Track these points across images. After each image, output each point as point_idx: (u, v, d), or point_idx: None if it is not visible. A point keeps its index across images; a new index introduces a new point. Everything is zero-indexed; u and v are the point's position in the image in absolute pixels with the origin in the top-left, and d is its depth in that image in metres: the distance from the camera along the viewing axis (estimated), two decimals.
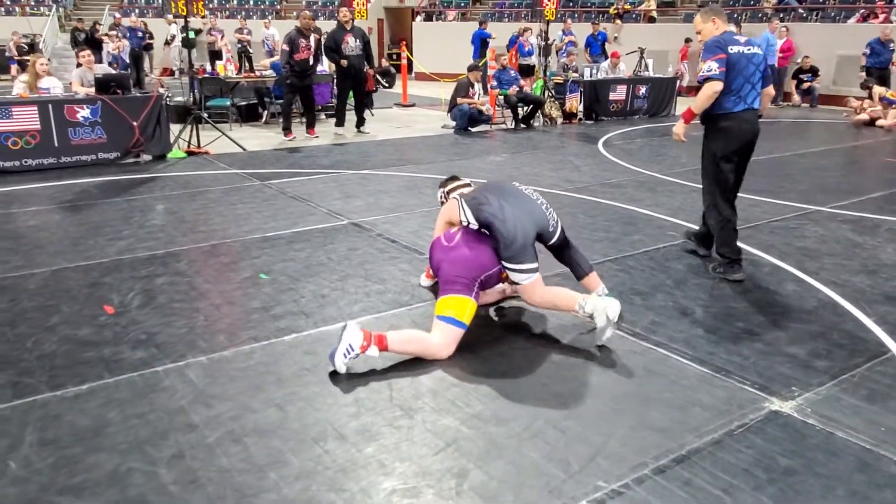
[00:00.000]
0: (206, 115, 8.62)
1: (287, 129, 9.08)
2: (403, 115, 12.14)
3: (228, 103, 10.09)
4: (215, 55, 15.53)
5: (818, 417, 2.59)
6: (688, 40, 15.60)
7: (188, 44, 8.85)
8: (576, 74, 11.73)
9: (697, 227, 4.62)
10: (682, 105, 13.07)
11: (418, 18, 20.93)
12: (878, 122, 10.97)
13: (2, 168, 6.69)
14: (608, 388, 2.81)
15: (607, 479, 2.23)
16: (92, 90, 7.33)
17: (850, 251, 4.63)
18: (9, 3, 20.82)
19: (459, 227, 3.34)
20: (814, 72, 13.70)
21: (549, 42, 12.26)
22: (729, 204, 4.20)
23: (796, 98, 13.91)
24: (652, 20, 17.22)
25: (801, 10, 15.53)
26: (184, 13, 7.76)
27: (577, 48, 13.54)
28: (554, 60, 13.51)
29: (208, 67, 11.40)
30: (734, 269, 4.08)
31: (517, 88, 10.64)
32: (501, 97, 10.68)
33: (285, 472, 2.26)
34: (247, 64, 15.99)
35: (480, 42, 14.76)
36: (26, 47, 17.86)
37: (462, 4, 21.41)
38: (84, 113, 7.02)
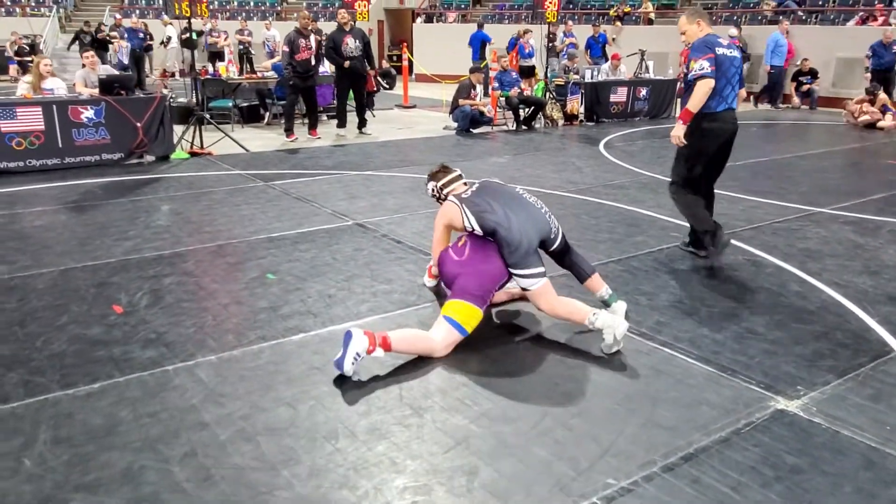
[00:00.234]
0: (207, 116, 8.63)
1: (289, 131, 9.10)
2: (405, 117, 12.17)
3: (230, 104, 10.11)
4: (216, 56, 15.55)
5: (824, 416, 2.62)
6: None
7: (190, 45, 8.87)
8: (577, 76, 11.76)
9: (689, 231, 4.64)
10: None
11: (419, 20, 20.96)
12: (879, 124, 11.01)
13: (6, 168, 6.71)
14: (615, 387, 2.84)
15: (616, 476, 2.25)
16: (95, 91, 7.35)
17: (852, 252, 4.66)
18: (9, 3, 20.83)
19: (465, 236, 3.37)
20: (813, 74, 13.75)
21: (555, 44, 12.30)
22: (693, 190, 4.41)
23: (796, 100, 13.95)
24: (650, 22, 17.26)
25: (800, 13, 15.58)
26: (187, 14, 7.78)
27: (577, 50, 13.57)
28: (555, 62, 13.53)
29: (210, 69, 11.40)
30: (718, 237, 4.22)
31: (518, 90, 10.67)
32: (503, 99, 10.71)
33: (298, 470, 2.28)
34: (247, 65, 16.01)
35: (480, 44, 14.77)
36: (27, 48, 17.89)
37: (462, 6, 21.45)
38: (88, 114, 7.04)
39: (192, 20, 8.47)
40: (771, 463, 2.33)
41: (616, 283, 4.02)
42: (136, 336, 3.27)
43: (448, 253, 3.39)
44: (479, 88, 10.45)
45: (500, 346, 3.24)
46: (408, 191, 6.38)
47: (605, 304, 3.50)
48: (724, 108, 4.18)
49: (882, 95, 11.34)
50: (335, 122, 9.81)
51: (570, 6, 18.69)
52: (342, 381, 2.86)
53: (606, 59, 13.47)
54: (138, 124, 7.28)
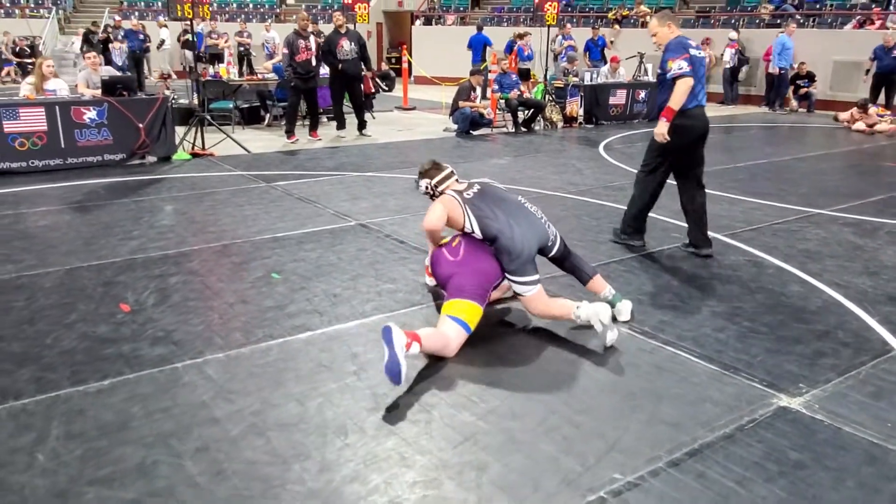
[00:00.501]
0: (209, 117, 8.65)
1: (290, 132, 9.13)
2: (405, 119, 12.21)
3: (231, 106, 10.13)
4: (215, 58, 15.58)
5: (826, 413, 2.66)
6: None
7: (190, 46, 8.90)
8: (576, 79, 11.82)
9: (688, 231, 4.74)
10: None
11: (417, 22, 21.01)
12: (877, 128, 11.08)
13: (9, 169, 6.73)
14: (620, 385, 2.87)
15: (623, 471, 2.29)
16: (98, 92, 7.37)
17: (852, 253, 4.71)
18: (8, 5, 20.83)
19: (459, 236, 3.41)
20: (810, 77, 13.82)
21: (554, 47, 12.35)
22: (658, 182, 4.65)
23: (794, 103, 14.02)
24: (645, 25, 17.32)
25: (798, 16, 15.66)
26: (189, 16, 7.82)
27: (577, 53, 13.62)
28: (553, 65, 13.59)
29: (210, 70, 11.42)
30: (636, 238, 4.74)
31: (518, 92, 10.72)
32: (502, 101, 10.75)
33: (309, 465, 2.31)
34: (247, 67, 16.04)
35: (482, 47, 14.80)
36: (28, 49, 17.89)
37: (461, 8, 21.51)
38: (90, 114, 7.07)
39: (193, 22, 8.51)
40: (774, 458, 2.36)
41: (618, 283, 4.06)
42: (144, 334, 3.30)
43: (442, 253, 3.42)
44: (479, 91, 10.49)
45: (506, 344, 3.28)
46: (409, 192, 6.41)
47: (611, 305, 3.50)
48: (695, 106, 4.37)
49: (872, 109, 11.43)
50: (335, 123, 9.85)
51: (569, 9, 18.76)
52: (350, 378, 2.89)
53: (605, 62, 13.53)
54: (140, 125, 7.30)
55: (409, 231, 5.08)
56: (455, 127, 10.33)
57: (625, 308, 3.51)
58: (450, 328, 3.09)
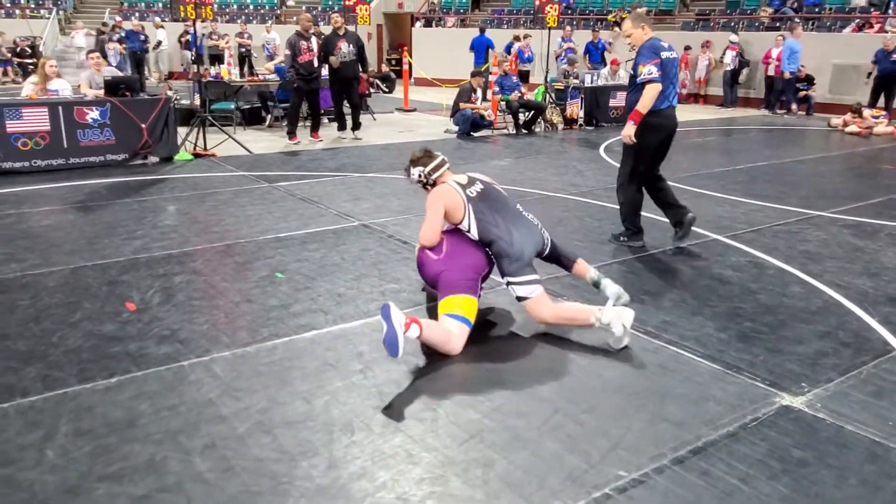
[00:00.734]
0: (210, 117, 8.67)
1: (292, 133, 9.15)
2: (405, 120, 12.24)
3: (233, 107, 10.16)
4: (216, 59, 15.61)
5: (828, 412, 2.68)
6: (687, 48, 15.75)
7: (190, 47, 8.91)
8: (576, 81, 11.85)
9: (669, 221, 4.99)
10: (680, 112, 13.24)
11: (418, 24, 21.05)
12: (875, 130, 11.13)
13: (12, 169, 6.74)
14: (624, 384, 2.90)
15: (628, 469, 2.31)
16: (100, 92, 7.39)
17: (852, 255, 4.73)
18: (9, 5, 20.84)
19: (443, 235, 3.41)
20: (810, 80, 13.87)
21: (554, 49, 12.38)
22: (638, 186, 4.83)
23: (793, 106, 14.07)
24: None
25: (797, 20, 15.72)
26: (192, 17, 7.84)
27: (577, 55, 13.66)
28: (553, 67, 13.62)
29: (212, 71, 11.45)
30: (636, 239, 4.82)
31: (519, 94, 10.75)
32: (503, 103, 10.79)
33: (316, 462, 2.33)
34: (248, 68, 16.05)
35: (485, 49, 14.81)
36: (28, 50, 17.90)
37: (461, 10, 21.56)
38: (93, 115, 7.08)
39: (196, 23, 8.53)
40: (778, 456, 2.39)
41: (621, 284, 4.06)
42: (150, 332, 3.32)
43: (425, 253, 3.43)
44: (479, 92, 10.53)
45: (510, 344, 3.30)
46: (411, 193, 6.43)
47: (596, 285, 3.57)
48: (666, 106, 4.57)
49: (867, 112, 11.48)
50: (335, 125, 9.87)
51: (569, 12, 18.81)
52: (355, 376, 2.91)
53: (605, 65, 13.57)
54: (143, 126, 7.32)
55: (412, 231, 5.09)
56: (456, 128, 10.36)
57: (609, 285, 3.58)
58: (451, 325, 3.12)
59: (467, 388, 2.84)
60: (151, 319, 3.47)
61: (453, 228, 3.43)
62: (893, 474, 2.30)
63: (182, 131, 8.14)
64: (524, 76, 13.69)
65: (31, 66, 16.21)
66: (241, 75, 13.08)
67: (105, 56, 13.21)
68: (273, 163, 7.85)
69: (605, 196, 6.41)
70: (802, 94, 13.97)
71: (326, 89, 9.60)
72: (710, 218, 5.63)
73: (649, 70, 4.39)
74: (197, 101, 9.44)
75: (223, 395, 2.75)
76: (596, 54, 14.85)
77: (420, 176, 3.55)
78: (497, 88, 10.81)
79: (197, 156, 8.01)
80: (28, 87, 7.41)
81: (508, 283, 3.32)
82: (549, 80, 11.91)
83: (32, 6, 20.89)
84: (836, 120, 11.80)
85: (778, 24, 15.70)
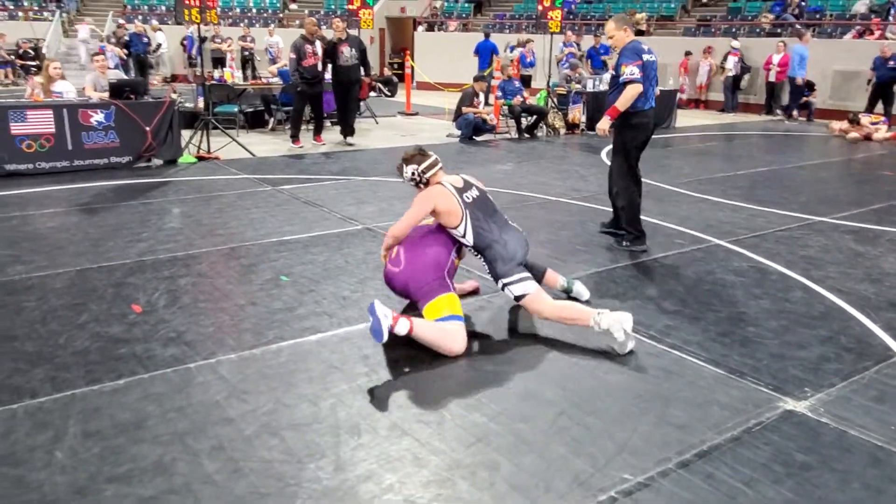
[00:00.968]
0: (214, 120, 8.70)
1: (295, 137, 9.18)
2: (407, 124, 12.27)
3: (236, 110, 10.19)
4: (219, 62, 15.66)
5: (831, 416, 2.70)
6: (688, 53, 15.80)
7: (199, 51, 8.95)
8: (578, 86, 11.89)
9: (610, 219, 5.25)
10: (681, 117, 13.28)
11: (420, 28, 21.12)
12: (874, 137, 11.16)
13: (16, 171, 6.77)
14: (628, 388, 2.91)
15: (633, 472, 2.33)
16: (105, 94, 7.42)
17: (854, 260, 4.76)
18: (12, 7, 20.90)
19: (398, 246, 3.44)
20: (810, 86, 13.91)
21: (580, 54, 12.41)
22: (637, 186, 4.96)
23: (794, 112, 14.10)
24: (641, 33, 17.40)
25: (798, 26, 15.76)
26: (197, 21, 7.88)
27: (578, 60, 13.69)
28: (555, 72, 13.66)
29: (215, 74, 11.50)
30: (639, 242, 4.87)
31: (521, 99, 10.78)
32: (506, 107, 10.82)
33: (323, 464, 2.35)
34: (251, 71, 16.11)
35: (489, 54, 14.85)
36: (31, 52, 17.94)
37: (463, 15, 21.62)
38: (98, 117, 7.11)
39: (200, 26, 8.55)
40: (781, 460, 2.41)
41: (623, 288, 4.11)
42: (156, 334, 3.33)
43: (388, 269, 3.46)
44: (482, 97, 10.56)
45: (515, 348, 3.32)
46: (414, 196, 6.45)
47: (567, 292, 3.79)
48: (648, 107, 4.78)
49: (865, 119, 11.52)
50: (339, 128, 9.89)
51: (571, 17, 18.87)
52: (361, 380, 2.93)
53: (607, 69, 13.60)
54: (147, 128, 7.35)
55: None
56: (458, 132, 10.39)
57: (581, 289, 3.78)
58: (443, 325, 3.16)
59: (472, 392, 2.86)
60: (158, 321, 3.49)
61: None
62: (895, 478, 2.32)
63: (186, 134, 8.17)
64: (526, 81, 13.73)
65: (33, 68, 16.26)
66: (244, 78, 13.14)
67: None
68: (276, 166, 7.88)
69: (608, 201, 6.41)
70: (804, 99, 14.01)
71: (330, 93, 9.63)
72: (711, 223, 5.66)
73: (632, 70, 4.57)
74: (200, 104, 9.47)
75: (230, 397, 2.77)
76: (598, 59, 14.89)
77: (414, 174, 3.54)
78: (500, 93, 10.85)
79: (201, 159, 8.03)
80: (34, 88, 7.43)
81: (504, 286, 3.37)
82: (551, 84, 11.95)
83: (36, 8, 20.96)
84: (836, 124, 11.84)
85: (779, 31, 15.75)
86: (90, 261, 4.39)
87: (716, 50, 15.67)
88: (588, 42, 15.42)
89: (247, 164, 7.94)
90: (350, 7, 11.79)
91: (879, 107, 12.63)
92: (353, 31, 10.19)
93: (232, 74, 10.95)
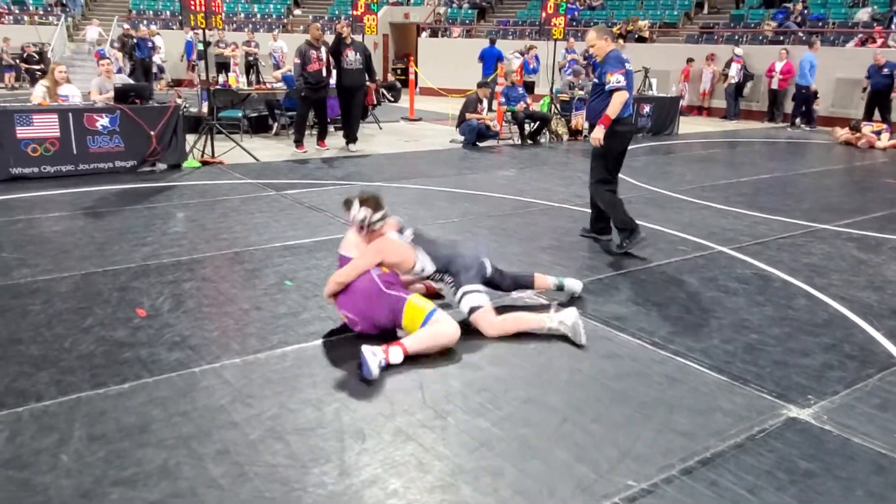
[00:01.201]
0: (218, 125, 8.73)
1: (299, 142, 9.21)
2: (411, 129, 12.30)
3: (240, 115, 10.23)
4: (223, 67, 15.71)
5: (834, 424, 2.71)
6: (689, 60, 15.84)
7: (201, 56, 8.99)
8: (581, 92, 11.91)
9: (591, 219, 5.35)
10: (684, 124, 13.30)
11: (423, 34, 21.19)
12: (878, 145, 11.17)
13: (21, 174, 6.80)
14: (631, 394, 2.92)
15: (637, 478, 2.33)
16: (110, 96, 7.45)
17: (856, 268, 4.76)
18: (17, 11, 21.02)
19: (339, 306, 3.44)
20: (813, 94, 13.92)
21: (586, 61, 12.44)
22: (610, 188, 5.13)
23: (797, 120, 14.12)
24: (642, 40, 17.46)
25: (800, 34, 15.80)
26: (203, 26, 7.92)
27: (582, 66, 13.73)
28: (559, 78, 13.69)
29: (219, 79, 11.53)
30: (635, 235, 4.85)
31: (524, 105, 10.81)
32: (509, 113, 10.85)
33: (328, 469, 2.36)
34: (255, 76, 16.17)
35: (494, 60, 14.88)
36: (35, 56, 18.03)
37: (467, 21, 21.69)
38: (103, 122, 7.15)
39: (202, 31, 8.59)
40: (785, 467, 2.41)
41: (627, 295, 4.12)
42: (161, 339, 3.35)
43: (349, 319, 3.40)
44: (486, 103, 10.60)
45: (518, 355, 3.32)
46: (417, 202, 6.49)
47: (560, 288, 3.92)
48: (628, 115, 4.96)
49: (867, 127, 11.54)
50: (342, 133, 9.92)
51: (574, 24, 18.93)
52: (365, 385, 2.94)
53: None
54: (152, 133, 7.38)
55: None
56: (461, 138, 10.41)
57: (572, 284, 3.92)
58: (429, 325, 3.21)
59: (476, 397, 2.87)
60: (162, 326, 3.50)
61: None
62: None
63: (190, 139, 8.20)
64: (530, 87, 13.75)
65: (38, 72, 16.34)
66: (248, 83, 13.19)
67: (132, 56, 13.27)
68: (280, 171, 7.91)
69: None
70: (812, 106, 14.03)
71: (334, 98, 9.66)
72: (714, 230, 5.66)
73: (617, 79, 4.71)
74: (205, 109, 9.51)
75: (234, 401, 2.78)
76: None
77: (365, 219, 3.40)
78: (503, 99, 10.87)
79: (205, 163, 8.06)
80: (39, 90, 7.47)
81: (464, 294, 3.47)
82: (554, 91, 11.98)
83: (41, 12, 21.07)
84: (840, 131, 11.85)
85: (781, 38, 15.78)
86: (95, 265, 4.41)
87: (718, 57, 15.71)
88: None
89: (250, 168, 7.97)
90: (354, 13, 11.83)
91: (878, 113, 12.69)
92: (357, 37, 10.22)
93: (236, 79, 10.99)
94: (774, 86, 14.66)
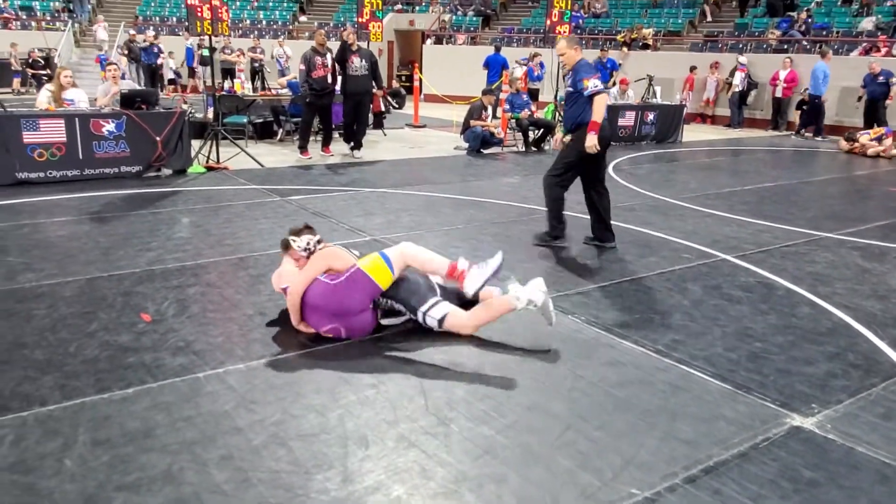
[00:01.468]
0: (223, 131, 8.77)
1: (303, 148, 9.24)
2: (415, 136, 12.34)
3: (245, 120, 10.27)
4: (228, 73, 15.80)
5: (838, 433, 2.70)
6: (693, 68, 15.86)
7: (205, 62, 9.04)
8: None
9: (592, 227, 5.42)
10: (688, 132, 13.31)
11: (428, 41, 21.27)
12: (881, 154, 11.16)
13: (27, 179, 6.83)
14: (635, 402, 2.92)
15: (640, 487, 2.33)
16: (116, 98, 7.50)
17: (860, 276, 4.75)
18: (24, 17, 21.17)
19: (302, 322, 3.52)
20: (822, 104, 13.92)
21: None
22: (563, 188, 5.33)
23: (803, 130, 14.11)
24: (646, 48, 17.49)
25: (804, 43, 15.82)
26: (209, 32, 7.97)
27: None
28: (563, 86, 13.72)
29: (225, 85, 11.61)
30: (556, 240, 5.27)
31: (529, 112, 10.84)
32: (513, 120, 10.87)
33: (331, 475, 2.36)
34: (260, 82, 16.24)
35: (499, 67, 14.93)
36: (42, 61, 18.14)
37: (472, 28, 21.77)
38: (109, 127, 7.18)
39: (204, 37, 8.65)
40: (789, 476, 2.40)
41: (630, 302, 4.12)
42: (165, 344, 3.36)
43: (333, 330, 3.45)
44: (490, 110, 10.63)
45: (522, 361, 3.32)
46: (422, 208, 6.50)
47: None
48: (603, 119, 5.00)
49: (864, 137, 11.55)
50: (343, 138, 9.95)
51: (578, 31, 18.98)
52: (368, 391, 2.94)
53: (614, 84, 13.67)
54: (158, 138, 7.42)
55: (425, 247, 5.12)
56: (466, 145, 10.44)
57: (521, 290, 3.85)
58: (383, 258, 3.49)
59: (479, 405, 2.87)
60: (167, 331, 3.51)
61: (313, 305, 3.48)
62: None
63: (195, 144, 8.23)
64: (534, 94, 13.80)
65: (44, 77, 16.43)
66: (254, 89, 13.25)
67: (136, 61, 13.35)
68: (285, 177, 7.93)
69: (615, 216, 6.38)
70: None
71: (338, 104, 9.70)
72: (718, 238, 5.66)
73: (594, 83, 4.87)
74: (210, 115, 9.55)
75: (238, 406, 2.78)
76: (605, 74, 14.96)
77: (309, 244, 3.70)
78: (507, 106, 10.91)
79: (210, 169, 8.10)
80: (44, 95, 7.52)
81: (424, 315, 3.49)
82: (558, 98, 12.00)
83: (49, 18, 21.21)
84: (844, 143, 11.86)
85: (785, 47, 15.80)
86: (100, 269, 4.43)
87: (722, 65, 15.73)
88: (591, 56, 15.49)
89: (255, 174, 8.00)
90: (359, 19, 11.89)
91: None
92: (363, 44, 10.27)
93: (242, 85, 11.05)
94: (778, 94, 14.68)
